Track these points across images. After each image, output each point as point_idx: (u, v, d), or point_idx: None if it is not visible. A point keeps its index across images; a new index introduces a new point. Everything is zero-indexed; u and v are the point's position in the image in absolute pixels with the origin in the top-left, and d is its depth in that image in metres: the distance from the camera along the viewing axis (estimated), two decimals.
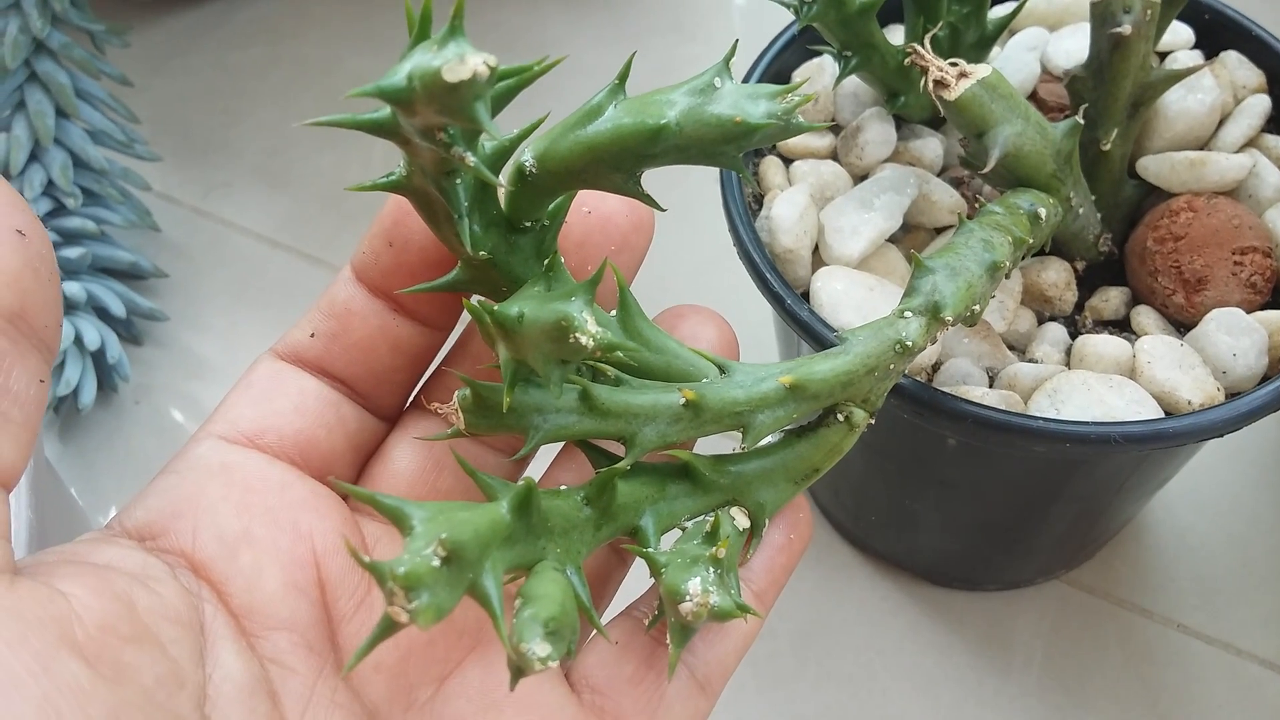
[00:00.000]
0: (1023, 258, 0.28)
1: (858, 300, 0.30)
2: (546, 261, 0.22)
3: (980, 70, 0.27)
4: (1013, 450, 0.30)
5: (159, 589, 0.20)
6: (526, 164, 0.21)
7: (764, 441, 0.24)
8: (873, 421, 0.24)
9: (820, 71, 0.34)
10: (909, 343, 0.23)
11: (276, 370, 0.24)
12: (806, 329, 0.29)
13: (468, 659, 0.23)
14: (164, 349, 0.48)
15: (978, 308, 0.24)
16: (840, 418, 0.24)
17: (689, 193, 0.52)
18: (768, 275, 0.30)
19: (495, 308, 0.20)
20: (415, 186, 0.22)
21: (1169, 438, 0.27)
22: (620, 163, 0.20)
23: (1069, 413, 0.28)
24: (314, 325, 0.24)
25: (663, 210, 0.22)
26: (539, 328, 0.19)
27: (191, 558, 0.21)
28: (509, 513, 0.19)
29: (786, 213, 0.31)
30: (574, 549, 0.21)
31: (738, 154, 0.21)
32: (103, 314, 0.46)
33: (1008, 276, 0.28)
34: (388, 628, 0.16)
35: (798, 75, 0.35)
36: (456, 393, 0.22)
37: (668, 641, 0.22)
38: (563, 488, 0.22)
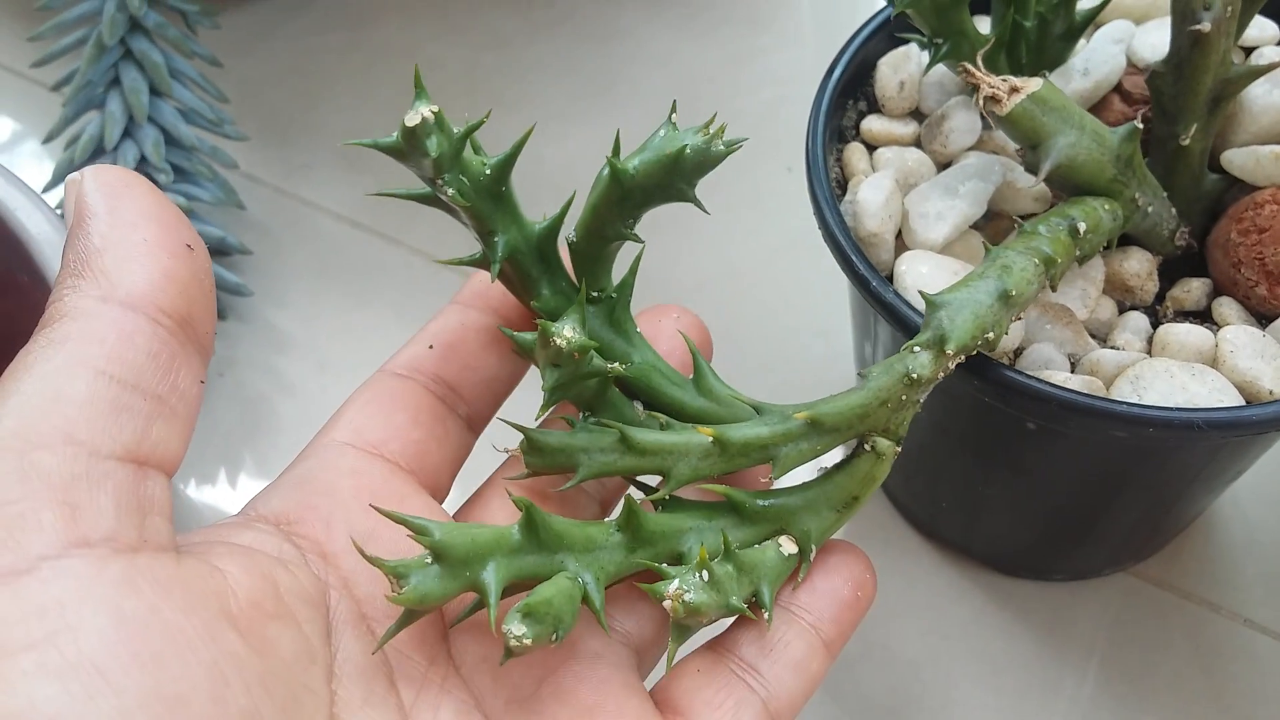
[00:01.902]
0: (1062, 272, 0.29)
1: (943, 284, 0.30)
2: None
3: (1031, 85, 0.28)
4: (1092, 435, 0.30)
5: (295, 572, 0.22)
6: (570, 237, 0.27)
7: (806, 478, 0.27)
8: (899, 450, 0.26)
9: (906, 60, 0.35)
10: (915, 375, 0.25)
11: (395, 385, 0.26)
12: (891, 311, 0.30)
13: (563, 667, 0.25)
14: (247, 324, 0.50)
15: (991, 335, 0.26)
16: (868, 447, 0.26)
17: (759, 184, 0.53)
18: (853, 258, 0.31)
19: (517, 335, 0.25)
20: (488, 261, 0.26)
21: (1252, 425, 0.27)
22: (615, 212, 0.25)
23: (1151, 399, 0.29)
24: (431, 339, 0.27)
25: (707, 213, 0.25)
26: (537, 340, 0.24)
27: (323, 547, 0.23)
28: (518, 529, 0.23)
29: (872, 197, 0.32)
30: (599, 565, 0.24)
31: (686, 185, 0.25)
32: (189, 221, 0.47)
33: (1054, 288, 0.29)
34: (405, 617, 0.22)
35: (883, 63, 0.35)
36: (519, 442, 0.26)
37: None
38: (606, 520, 0.25)
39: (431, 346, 0.27)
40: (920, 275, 0.31)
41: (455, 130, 0.24)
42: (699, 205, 0.25)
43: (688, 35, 0.59)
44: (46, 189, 0.49)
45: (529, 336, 0.25)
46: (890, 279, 0.32)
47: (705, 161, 0.24)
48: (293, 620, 0.21)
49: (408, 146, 0.23)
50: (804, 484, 0.27)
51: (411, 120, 0.23)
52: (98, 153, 0.48)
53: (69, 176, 0.21)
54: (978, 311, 0.26)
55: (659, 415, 0.26)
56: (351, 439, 0.25)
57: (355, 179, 0.54)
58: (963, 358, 0.26)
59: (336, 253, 0.52)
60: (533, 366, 0.27)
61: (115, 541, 0.18)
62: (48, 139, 0.49)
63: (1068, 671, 0.39)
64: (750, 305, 0.49)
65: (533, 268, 0.26)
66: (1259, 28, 0.34)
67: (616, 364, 0.26)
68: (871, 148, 0.35)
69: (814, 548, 0.26)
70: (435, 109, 0.23)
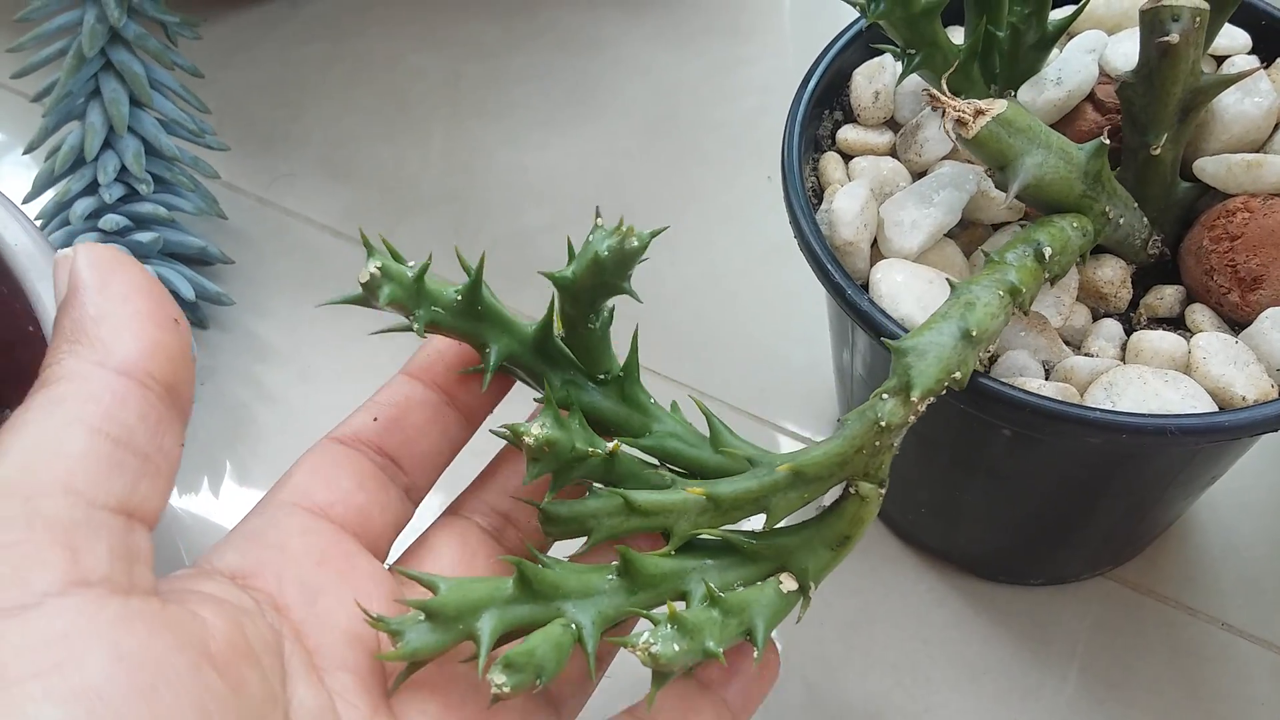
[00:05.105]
0: (1031, 297, 0.29)
1: (918, 292, 0.31)
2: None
3: (996, 106, 0.28)
4: (1067, 441, 0.31)
5: (256, 621, 0.23)
6: (559, 334, 0.29)
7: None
8: (883, 491, 0.27)
9: (881, 70, 0.35)
10: (884, 423, 0.26)
11: (339, 452, 0.28)
12: (866, 319, 0.30)
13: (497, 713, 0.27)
14: (229, 333, 0.50)
15: (958, 374, 0.27)
16: (853, 491, 0.27)
17: (741, 193, 0.53)
18: (829, 266, 0.31)
19: (508, 431, 0.27)
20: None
21: (1224, 431, 0.28)
22: (576, 309, 0.28)
23: (1125, 405, 0.29)
24: (376, 411, 0.28)
25: (640, 302, 0.28)
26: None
27: (276, 600, 0.25)
28: (512, 584, 0.25)
29: (848, 205, 0.32)
30: (597, 609, 0.25)
31: (618, 280, 0.27)
32: (172, 297, 0.47)
33: (1025, 312, 0.29)
34: (408, 669, 0.24)
35: (858, 74, 0.36)
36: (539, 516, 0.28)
37: None
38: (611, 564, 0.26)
39: (376, 419, 0.28)
40: (895, 283, 0.31)
41: (409, 271, 0.26)
42: (633, 295, 0.27)
43: (669, 45, 0.59)
44: (27, 200, 0.49)
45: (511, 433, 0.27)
46: (866, 287, 0.32)
47: (625, 259, 0.26)
48: (258, 665, 0.22)
49: (369, 296, 0.26)
50: (801, 523, 0.28)
51: (363, 277, 0.26)
52: (78, 163, 0.48)
53: (60, 252, 0.22)
54: (941, 355, 0.26)
55: (665, 473, 0.28)
56: (300, 500, 0.27)
57: (337, 189, 0.54)
58: (932, 399, 0.26)
59: (318, 262, 0.52)
60: (473, 435, 0.30)
61: (111, 584, 0.20)
62: (28, 150, 0.49)
63: (1047, 676, 0.39)
64: (731, 312, 0.49)
65: (535, 364, 0.28)
66: (1230, 37, 0.34)
67: (601, 447, 0.27)
68: (847, 157, 0.35)
69: (813, 584, 0.27)
70: (380, 264, 0.26)
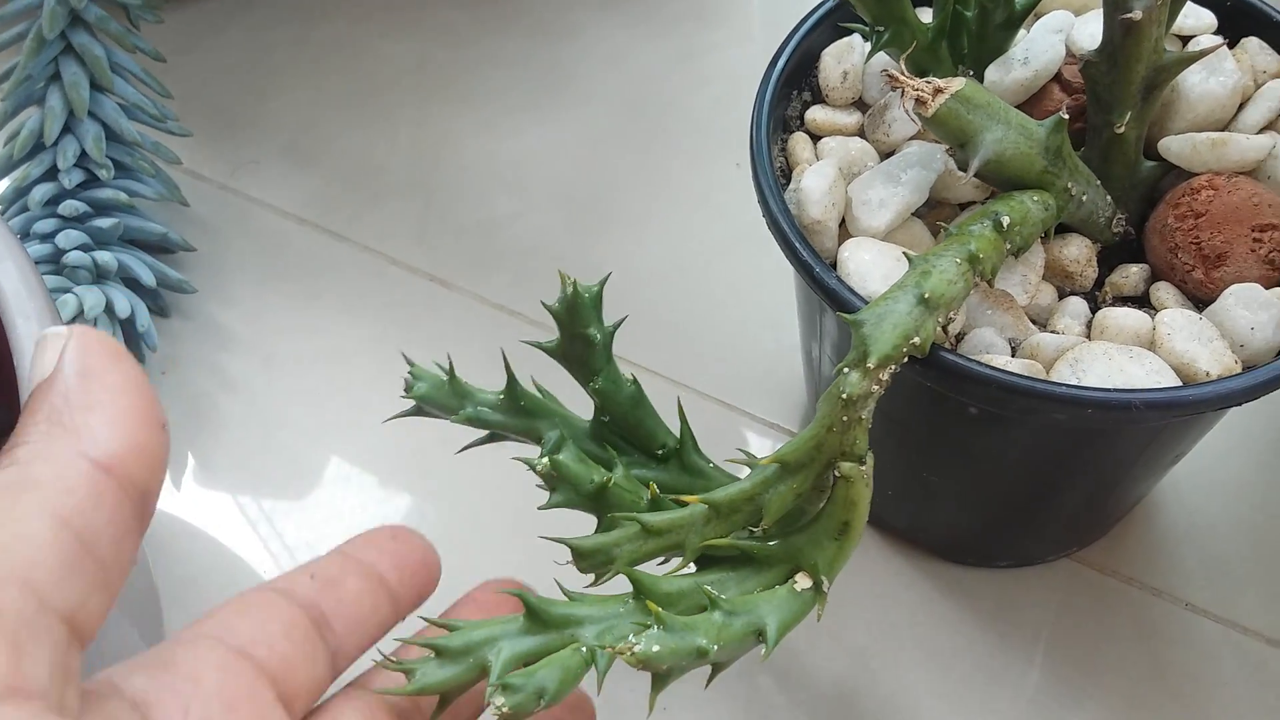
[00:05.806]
0: (993, 266, 0.29)
1: (886, 270, 0.31)
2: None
3: (955, 84, 0.29)
4: (1033, 418, 0.31)
5: None
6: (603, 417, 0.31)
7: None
8: (864, 467, 0.27)
9: (850, 50, 0.35)
10: (845, 395, 0.26)
11: (272, 598, 0.26)
12: (833, 296, 0.30)
13: None
14: (190, 321, 0.49)
15: (917, 339, 0.27)
16: (837, 475, 0.27)
17: (708, 180, 0.53)
18: (797, 245, 0.31)
19: (535, 466, 0.29)
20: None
21: (1188, 405, 0.28)
22: (580, 374, 0.30)
23: (1090, 381, 0.29)
24: (314, 570, 0.27)
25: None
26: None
27: None
28: (522, 618, 0.25)
29: (816, 184, 0.32)
30: (613, 632, 0.26)
31: (585, 330, 0.29)
32: (132, 284, 0.47)
33: (990, 282, 0.29)
34: (439, 707, 0.25)
35: (827, 54, 0.36)
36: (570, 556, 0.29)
37: None
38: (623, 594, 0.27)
39: (313, 576, 0.27)
40: (863, 261, 0.31)
41: (444, 376, 0.30)
42: (601, 336, 0.29)
43: (639, 32, 0.59)
44: None
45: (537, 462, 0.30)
46: (834, 266, 0.32)
47: (574, 307, 0.28)
48: None
49: (417, 402, 0.30)
50: (806, 521, 0.28)
51: (406, 384, 0.30)
52: (37, 148, 0.47)
53: (51, 330, 0.21)
54: (897, 321, 0.26)
55: (683, 499, 0.28)
56: (223, 635, 0.25)
57: (302, 176, 0.54)
58: (894, 367, 0.26)
59: (282, 249, 0.51)
60: (404, 619, 0.29)
61: (47, 700, 0.18)
62: None
63: (1014, 657, 0.39)
64: (700, 299, 0.49)
65: (594, 452, 0.30)
66: (1195, 16, 0.35)
67: (639, 493, 0.29)
68: (816, 137, 0.35)
69: (825, 579, 0.27)
70: (411, 370, 0.30)
